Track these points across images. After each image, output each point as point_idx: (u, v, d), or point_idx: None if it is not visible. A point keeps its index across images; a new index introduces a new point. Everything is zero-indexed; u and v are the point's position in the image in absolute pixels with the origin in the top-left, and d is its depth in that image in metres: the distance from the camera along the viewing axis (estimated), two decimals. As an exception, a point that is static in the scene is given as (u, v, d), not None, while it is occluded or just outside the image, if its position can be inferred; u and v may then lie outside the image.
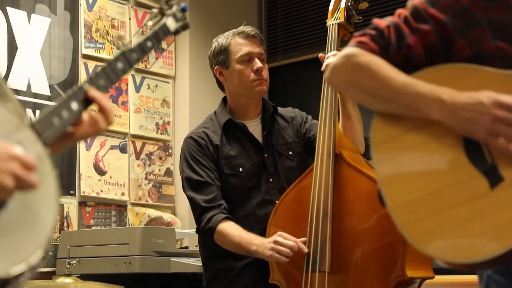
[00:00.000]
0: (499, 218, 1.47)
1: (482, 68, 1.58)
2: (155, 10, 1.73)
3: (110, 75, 1.50)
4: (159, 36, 1.66)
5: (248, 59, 2.75)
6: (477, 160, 1.52)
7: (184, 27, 1.75)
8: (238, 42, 2.77)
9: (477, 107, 1.51)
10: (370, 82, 1.62)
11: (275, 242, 2.44)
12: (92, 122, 1.47)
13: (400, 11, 1.68)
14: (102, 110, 1.48)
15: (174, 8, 1.73)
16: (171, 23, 1.70)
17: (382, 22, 1.67)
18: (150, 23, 1.70)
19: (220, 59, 2.79)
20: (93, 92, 1.45)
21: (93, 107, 1.48)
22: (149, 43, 1.62)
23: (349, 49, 1.66)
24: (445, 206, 1.52)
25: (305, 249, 2.42)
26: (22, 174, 1.22)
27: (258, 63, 2.74)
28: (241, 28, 2.81)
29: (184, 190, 2.77)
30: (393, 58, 1.64)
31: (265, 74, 2.76)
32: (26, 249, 1.24)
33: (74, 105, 1.40)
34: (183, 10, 1.75)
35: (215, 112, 2.86)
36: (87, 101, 1.45)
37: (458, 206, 1.51)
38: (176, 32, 1.73)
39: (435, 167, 1.57)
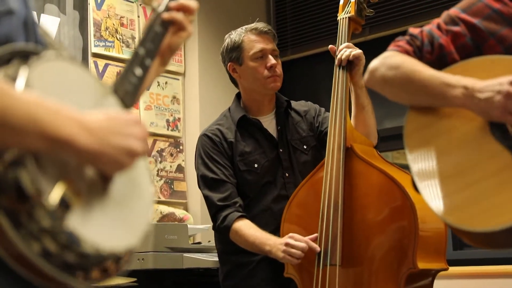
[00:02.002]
0: None
1: (508, 57, 1.67)
2: None
3: (154, 39, 1.48)
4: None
5: (261, 56, 2.76)
6: (501, 137, 1.61)
7: None
8: (251, 39, 2.78)
9: (494, 87, 1.59)
10: (401, 77, 1.74)
11: (286, 244, 2.46)
12: (176, 29, 1.50)
13: (434, 20, 1.83)
14: (183, 10, 1.52)
15: None
16: None
17: (416, 29, 1.82)
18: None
19: (233, 56, 2.80)
20: (167, 15, 1.48)
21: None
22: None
23: (385, 52, 1.81)
24: (472, 181, 1.60)
25: (317, 249, 2.44)
26: (145, 137, 1.21)
27: (271, 60, 2.75)
28: (253, 25, 2.81)
29: (199, 188, 2.78)
30: (426, 58, 1.77)
31: (279, 70, 2.77)
32: (140, 219, 1.26)
33: (138, 71, 1.37)
34: None
35: (229, 108, 2.87)
36: (165, 25, 1.47)
37: (484, 179, 1.59)
38: None
39: (463, 147, 1.66)
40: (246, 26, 2.82)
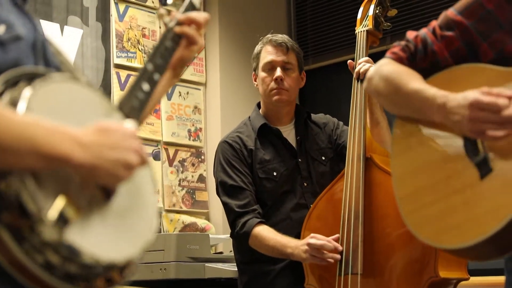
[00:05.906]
0: (484, 207, 1.55)
1: (489, 66, 1.66)
2: None
3: (164, 54, 1.51)
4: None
5: (270, 67, 2.79)
6: (472, 153, 1.61)
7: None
8: (267, 49, 2.82)
9: (460, 110, 1.58)
10: (389, 89, 1.76)
11: (308, 244, 2.47)
12: (187, 43, 1.53)
13: (432, 22, 1.81)
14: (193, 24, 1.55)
15: None
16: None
17: (412, 33, 1.81)
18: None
19: (254, 65, 2.88)
20: (178, 29, 1.52)
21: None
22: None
23: (381, 61, 1.82)
24: (441, 196, 1.63)
25: (339, 247, 2.44)
26: (142, 150, 1.23)
27: (277, 72, 2.77)
28: (272, 36, 2.85)
29: (218, 195, 2.80)
30: (420, 64, 1.77)
31: (287, 83, 2.78)
32: (143, 230, 1.28)
33: (146, 86, 1.37)
34: None
35: (249, 117, 2.90)
36: (176, 39, 1.52)
37: (452, 195, 1.61)
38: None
39: (437, 159, 1.67)
40: (268, 36, 2.86)
